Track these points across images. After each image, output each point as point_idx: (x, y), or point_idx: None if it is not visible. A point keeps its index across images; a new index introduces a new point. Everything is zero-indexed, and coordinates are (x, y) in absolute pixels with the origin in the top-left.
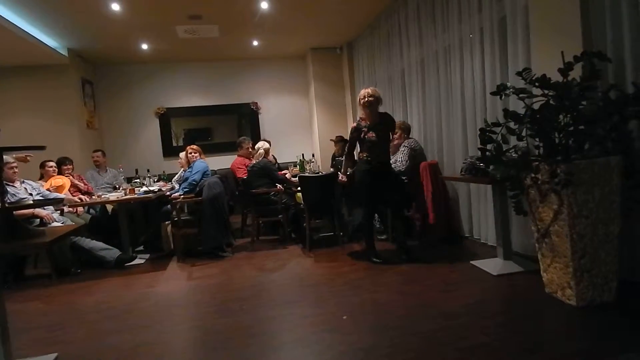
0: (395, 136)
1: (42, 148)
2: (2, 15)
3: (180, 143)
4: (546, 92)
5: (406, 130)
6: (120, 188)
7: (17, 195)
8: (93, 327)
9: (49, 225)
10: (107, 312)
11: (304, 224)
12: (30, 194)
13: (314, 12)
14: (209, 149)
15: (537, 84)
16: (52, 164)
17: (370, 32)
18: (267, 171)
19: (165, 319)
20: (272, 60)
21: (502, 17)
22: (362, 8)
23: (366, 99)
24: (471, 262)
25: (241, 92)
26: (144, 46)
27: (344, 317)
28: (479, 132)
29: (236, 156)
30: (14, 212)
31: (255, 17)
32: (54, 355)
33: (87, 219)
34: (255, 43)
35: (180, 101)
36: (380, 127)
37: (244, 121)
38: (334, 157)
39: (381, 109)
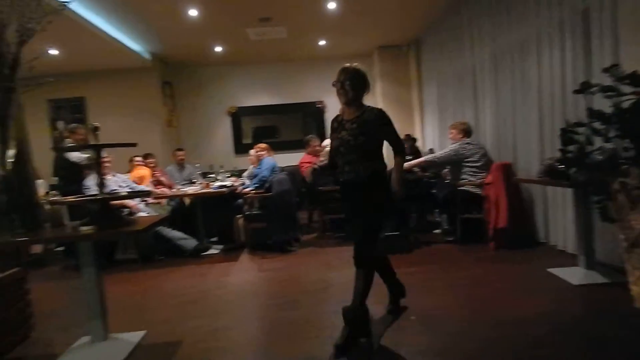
0: (450, 136)
1: (133, 145)
2: (95, 24)
3: (249, 140)
4: (637, 89)
5: (464, 131)
6: (197, 182)
7: (109, 187)
8: (175, 309)
9: (136, 215)
10: (186, 297)
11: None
12: (120, 186)
13: (380, 10)
14: (275, 147)
15: (627, 80)
16: (139, 158)
17: (437, 27)
18: None
19: (239, 306)
20: (338, 60)
21: (585, 9)
22: (428, 2)
23: (337, 80)
24: (548, 269)
25: (307, 91)
26: (218, 48)
27: (412, 318)
28: (559, 133)
29: (304, 154)
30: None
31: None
32: (143, 332)
33: (168, 211)
34: (322, 43)
35: (249, 100)
36: (354, 125)
37: (309, 119)
38: None
39: (450, 107)
